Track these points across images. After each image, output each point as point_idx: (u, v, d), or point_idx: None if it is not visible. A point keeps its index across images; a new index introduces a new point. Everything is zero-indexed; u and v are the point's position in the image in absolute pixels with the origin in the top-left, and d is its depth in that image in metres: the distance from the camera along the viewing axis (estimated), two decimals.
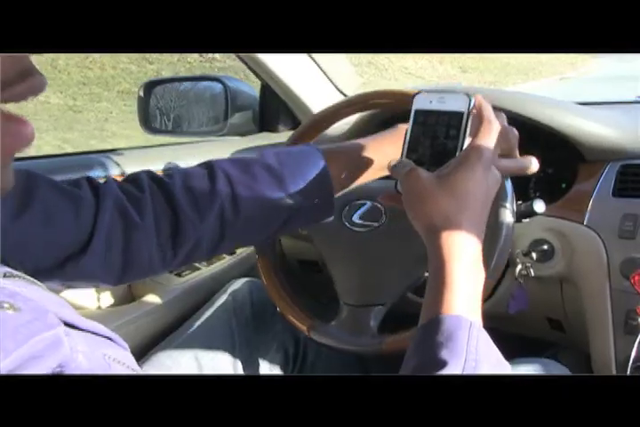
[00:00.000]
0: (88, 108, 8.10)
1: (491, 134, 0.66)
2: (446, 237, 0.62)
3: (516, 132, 0.73)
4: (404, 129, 0.76)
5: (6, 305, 0.40)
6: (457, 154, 0.66)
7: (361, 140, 0.84)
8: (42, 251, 0.65)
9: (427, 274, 0.95)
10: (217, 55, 9.81)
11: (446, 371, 0.52)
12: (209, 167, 0.77)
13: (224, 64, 9.56)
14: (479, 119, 0.68)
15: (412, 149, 0.69)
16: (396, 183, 0.68)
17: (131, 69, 9.34)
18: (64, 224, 0.66)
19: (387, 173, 0.80)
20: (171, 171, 0.77)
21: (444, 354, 0.53)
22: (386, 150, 0.81)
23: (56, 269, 0.67)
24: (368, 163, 0.81)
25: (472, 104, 0.67)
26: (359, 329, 0.97)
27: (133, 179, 0.75)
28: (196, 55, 9.77)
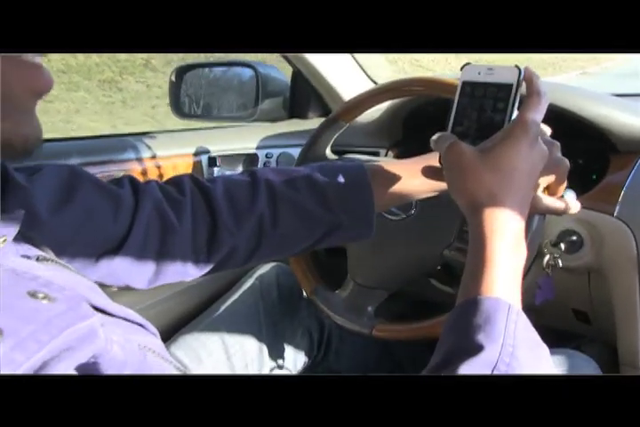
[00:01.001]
0: (62, 98, 7.55)
1: (539, 108, 0.62)
2: (489, 215, 0.59)
3: (567, 163, 0.68)
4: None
5: (41, 295, 0.40)
6: (504, 127, 0.63)
7: (406, 161, 0.82)
8: (77, 246, 0.65)
9: (452, 255, 0.97)
10: None
11: (483, 355, 0.49)
12: (252, 176, 0.76)
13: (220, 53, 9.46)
14: (528, 92, 0.64)
15: (458, 121, 0.66)
16: (440, 157, 0.66)
17: (118, 57, 8.79)
18: (102, 222, 0.67)
19: (429, 194, 0.80)
20: (214, 177, 0.77)
21: (481, 337, 0.51)
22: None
23: (89, 264, 0.67)
24: (411, 185, 0.79)
25: (522, 76, 0.64)
26: (357, 307, 0.98)
27: (176, 182, 0.75)
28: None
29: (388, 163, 0.83)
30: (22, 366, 0.35)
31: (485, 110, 0.65)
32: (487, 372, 0.49)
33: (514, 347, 0.51)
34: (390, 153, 1.35)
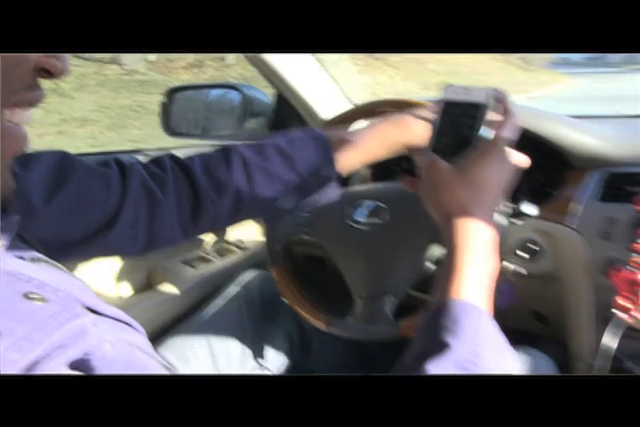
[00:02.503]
0: None
1: (511, 128, 0.67)
2: (461, 226, 0.62)
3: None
4: (401, 116, 0.82)
5: (36, 296, 0.41)
6: (476, 145, 0.66)
7: (359, 127, 0.87)
8: (73, 227, 0.68)
9: (432, 266, 1.01)
10: (139, 68, 8.99)
11: (450, 355, 0.51)
12: (225, 151, 0.81)
13: (146, 77, 8.86)
14: (502, 112, 0.68)
15: (438, 138, 0.69)
16: (418, 170, 0.69)
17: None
18: (95, 204, 0.70)
19: (385, 154, 0.85)
20: (191, 155, 0.81)
21: (449, 338, 0.53)
22: (385, 134, 0.84)
23: (85, 243, 0.70)
24: (368, 146, 0.84)
25: (494, 97, 0.67)
26: (375, 318, 0.99)
27: (157, 161, 0.79)
28: (116, 68, 8.89)
29: (345, 130, 0.88)
30: (17, 364, 0.36)
31: (462, 128, 0.68)
32: (454, 371, 0.50)
33: (479, 346, 0.53)
34: (366, 169, 1.41)
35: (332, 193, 0.85)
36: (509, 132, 0.67)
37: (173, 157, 0.80)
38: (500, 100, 0.69)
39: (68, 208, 0.67)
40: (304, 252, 1.40)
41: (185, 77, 9.35)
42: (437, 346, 0.53)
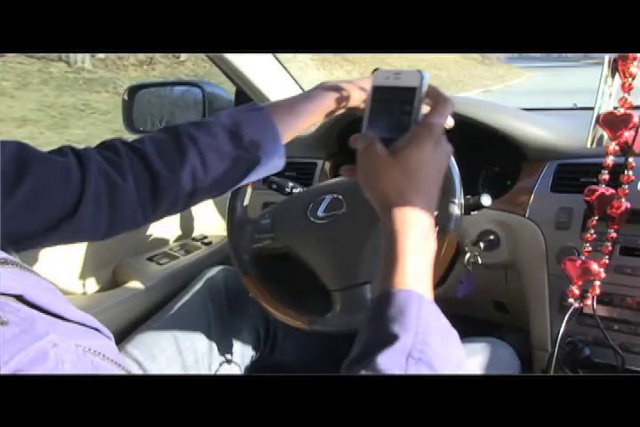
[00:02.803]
0: None
1: (443, 112, 0.66)
2: (399, 212, 0.61)
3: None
4: (327, 83, 0.85)
5: None
6: (410, 129, 0.65)
7: (293, 95, 0.88)
8: (36, 217, 0.68)
9: None
10: (87, 65, 8.65)
11: (398, 344, 0.51)
12: (174, 132, 0.80)
13: (93, 74, 8.51)
14: (432, 97, 0.67)
15: (371, 124, 0.67)
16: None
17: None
18: (56, 192, 0.69)
19: (319, 118, 0.87)
20: (140, 138, 0.80)
21: (396, 328, 0.53)
22: (322, 98, 0.86)
23: (48, 232, 0.69)
24: (306, 112, 0.85)
25: (425, 80, 0.66)
26: (355, 308, 0.99)
27: (109, 146, 0.78)
28: (62, 65, 8.65)
29: (280, 100, 0.89)
30: None
31: (394, 113, 0.66)
32: (402, 359, 0.50)
33: (426, 334, 0.53)
34: (327, 163, 1.42)
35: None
36: (441, 117, 0.66)
37: (124, 142, 0.79)
38: (431, 85, 0.68)
39: (29, 201, 0.66)
40: (272, 257, 1.40)
41: (134, 75, 9.06)
42: (386, 336, 0.53)
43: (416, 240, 0.60)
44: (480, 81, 14.81)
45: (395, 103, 0.66)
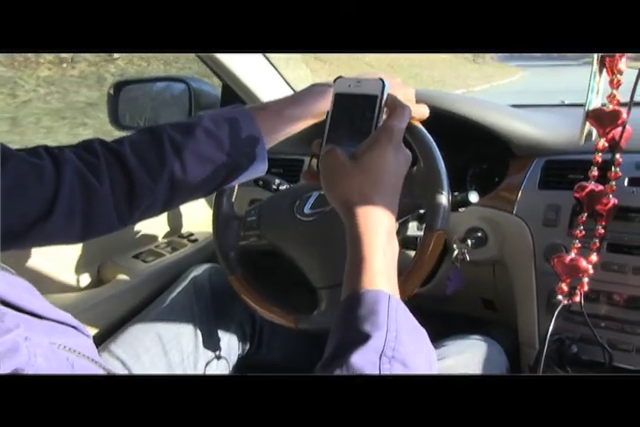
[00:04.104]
0: None
1: (401, 117, 0.67)
2: (362, 214, 0.62)
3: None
4: (318, 87, 0.84)
5: None
6: (369, 135, 0.66)
7: (282, 98, 0.87)
8: (9, 219, 0.66)
9: None
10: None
11: (370, 343, 0.52)
12: (153, 133, 0.79)
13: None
14: (390, 103, 0.69)
15: (333, 129, 0.69)
16: (318, 162, 0.69)
17: None
18: (30, 194, 0.67)
19: (307, 123, 0.85)
20: (119, 139, 0.78)
21: (367, 327, 0.54)
22: (308, 103, 0.84)
23: (22, 234, 0.68)
24: (292, 117, 0.84)
25: (385, 88, 0.68)
26: None
27: (87, 147, 0.76)
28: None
29: (268, 103, 0.87)
30: None
31: (355, 119, 0.69)
32: (376, 358, 0.51)
33: (397, 332, 0.54)
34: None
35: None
36: (400, 122, 0.67)
37: (102, 142, 0.77)
38: (391, 92, 0.70)
39: (5, 201, 0.64)
40: (258, 255, 1.39)
41: (44, 74, 8.04)
42: (357, 336, 0.53)
43: (381, 240, 0.62)
44: (464, 81, 14.60)
45: (356, 110, 0.69)
